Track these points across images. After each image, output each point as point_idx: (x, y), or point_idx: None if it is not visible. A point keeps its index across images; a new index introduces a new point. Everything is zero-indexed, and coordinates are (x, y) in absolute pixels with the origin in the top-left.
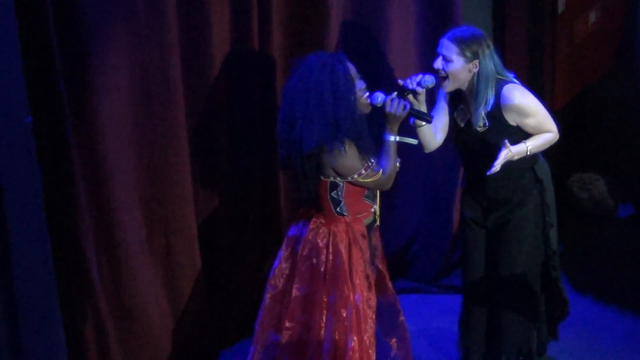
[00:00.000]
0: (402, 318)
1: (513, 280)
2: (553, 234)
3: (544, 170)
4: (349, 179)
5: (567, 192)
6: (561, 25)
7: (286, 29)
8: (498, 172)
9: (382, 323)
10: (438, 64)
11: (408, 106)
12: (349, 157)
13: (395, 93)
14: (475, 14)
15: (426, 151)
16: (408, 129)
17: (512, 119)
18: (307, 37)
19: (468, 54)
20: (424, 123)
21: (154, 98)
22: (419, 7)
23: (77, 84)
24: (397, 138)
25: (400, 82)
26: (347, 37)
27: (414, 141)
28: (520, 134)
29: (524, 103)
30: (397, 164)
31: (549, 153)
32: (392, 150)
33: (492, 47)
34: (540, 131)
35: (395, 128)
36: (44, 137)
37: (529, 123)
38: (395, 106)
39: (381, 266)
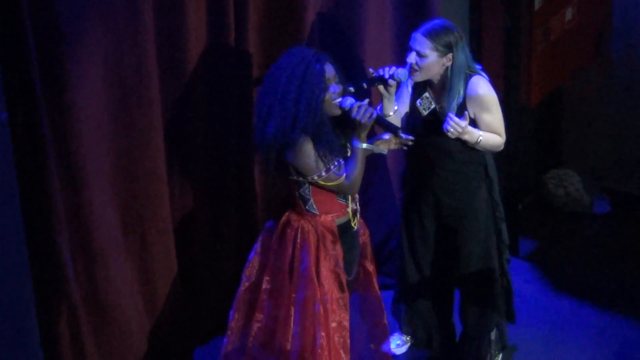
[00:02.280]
0: (384, 322)
1: (473, 272)
2: (504, 228)
3: (493, 169)
4: (309, 179)
5: (543, 188)
6: (538, 21)
7: (263, 24)
8: (451, 166)
9: (366, 325)
10: (411, 58)
11: (375, 114)
12: (304, 156)
13: (367, 100)
14: (452, 8)
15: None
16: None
17: (472, 111)
18: (284, 32)
19: (441, 48)
20: (391, 112)
21: (130, 94)
22: (395, 2)
23: (52, 80)
24: (365, 146)
25: (372, 71)
26: (324, 31)
27: (383, 150)
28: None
29: (489, 96)
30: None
31: (525, 149)
32: (359, 157)
33: (464, 39)
34: (492, 131)
35: (363, 135)
36: (20, 134)
37: (484, 118)
38: (361, 113)
39: (369, 266)
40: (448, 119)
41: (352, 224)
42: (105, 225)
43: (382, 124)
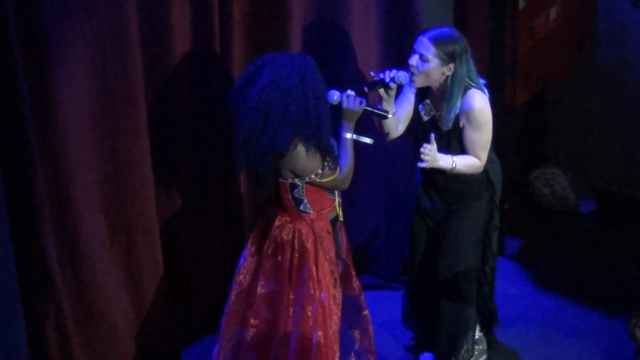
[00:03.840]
0: (365, 311)
1: (450, 274)
2: (495, 237)
3: (495, 171)
4: (307, 179)
5: (529, 187)
6: (522, 21)
7: (248, 25)
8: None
9: (346, 315)
10: (413, 60)
11: (364, 102)
12: (310, 157)
13: (349, 90)
14: (436, 9)
15: (388, 139)
16: (364, 129)
17: (462, 122)
18: (269, 34)
19: (444, 56)
20: (389, 115)
21: (115, 95)
22: (380, 4)
23: (37, 81)
24: (355, 137)
25: (373, 74)
26: (309, 36)
27: (369, 140)
28: None
29: (480, 112)
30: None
31: (511, 148)
32: (350, 147)
33: (469, 52)
34: (473, 148)
35: (352, 125)
36: (4, 135)
37: (470, 134)
38: (351, 102)
39: (347, 259)
40: (421, 149)
41: (340, 217)
42: (91, 227)
43: (371, 109)
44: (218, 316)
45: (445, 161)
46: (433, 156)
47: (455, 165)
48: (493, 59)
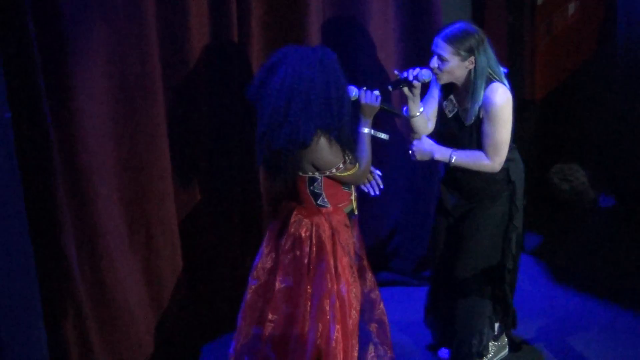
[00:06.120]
0: (381, 305)
1: (465, 272)
2: (516, 238)
3: (517, 171)
4: (327, 173)
5: (548, 183)
6: (540, 17)
7: (265, 22)
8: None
9: (363, 309)
10: (434, 62)
11: (380, 96)
12: (333, 150)
13: (365, 88)
14: (454, 5)
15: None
16: (381, 124)
17: (482, 113)
18: (287, 30)
19: (463, 52)
20: (417, 113)
21: (134, 93)
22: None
23: (56, 79)
24: (373, 132)
25: (397, 73)
26: (327, 31)
27: (385, 136)
28: None
29: (499, 108)
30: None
31: (529, 144)
32: (367, 142)
33: (485, 41)
34: (484, 143)
35: (370, 120)
36: (24, 134)
37: (486, 127)
38: (369, 97)
39: (360, 254)
40: (410, 146)
41: (355, 212)
42: (110, 225)
43: (386, 108)
44: (237, 313)
45: (442, 154)
46: (425, 154)
47: (453, 158)
48: (511, 54)
